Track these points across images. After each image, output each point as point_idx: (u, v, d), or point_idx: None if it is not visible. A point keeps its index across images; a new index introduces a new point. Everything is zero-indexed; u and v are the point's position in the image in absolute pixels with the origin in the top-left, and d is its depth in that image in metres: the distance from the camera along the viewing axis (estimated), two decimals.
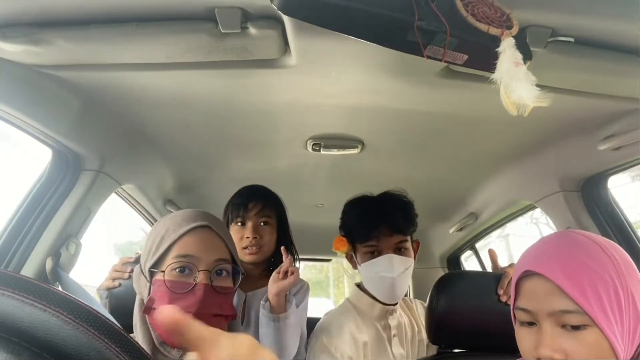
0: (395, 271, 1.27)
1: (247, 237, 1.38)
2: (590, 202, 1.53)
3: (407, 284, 1.34)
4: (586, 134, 1.33)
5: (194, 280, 0.86)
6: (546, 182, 1.60)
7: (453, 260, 2.71)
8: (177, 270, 0.87)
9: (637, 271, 0.67)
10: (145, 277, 0.89)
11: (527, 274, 0.72)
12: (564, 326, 0.65)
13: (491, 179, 1.81)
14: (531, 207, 1.88)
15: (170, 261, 0.87)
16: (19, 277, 0.40)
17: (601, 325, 0.63)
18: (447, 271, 2.68)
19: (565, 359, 0.64)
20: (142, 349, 0.41)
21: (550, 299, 0.66)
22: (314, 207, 2.34)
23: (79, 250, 1.44)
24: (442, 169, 1.77)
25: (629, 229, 1.51)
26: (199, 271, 0.87)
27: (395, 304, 1.37)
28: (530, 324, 0.70)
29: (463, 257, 2.71)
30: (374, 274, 1.29)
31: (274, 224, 1.44)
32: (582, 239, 0.71)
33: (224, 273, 0.91)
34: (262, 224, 1.41)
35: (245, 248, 1.38)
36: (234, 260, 0.95)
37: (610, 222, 1.52)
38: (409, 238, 1.33)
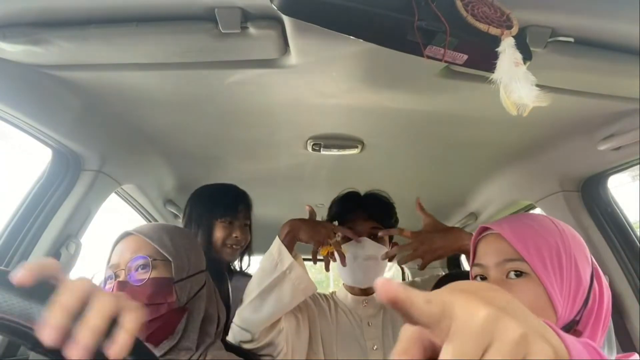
0: (366, 252, 1.31)
1: (236, 237, 1.51)
2: (590, 202, 1.53)
3: (378, 271, 1.37)
4: (586, 134, 1.33)
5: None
6: (546, 182, 1.60)
7: (453, 260, 2.71)
8: (109, 278, 0.97)
9: (586, 249, 0.75)
10: None
11: (482, 235, 0.81)
12: (508, 276, 0.73)
13: (491, 179, 1.81)
14: (531, 207, 1.88)
15: (106, 274, 0.99)
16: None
17: (538, 272, 0.70)
18: (447, 271, 2.67)
19: None
20: (150, 350, 0.41)
21: (498, 251, 0.75)
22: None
23: (79, 250, 1.44)
24: (442, 169, 1.77)
25: (629, 229, 1.51)
26: (118, 271, 0.97)
27: (367, 294, 1.39)
28: (483, 278, 0.78)
29: (463, 257, 2.70)
30: (349, 254, 1.33)
31: (249, 226, 1.59)
32: (539, 215, 0.81)
33: (146, 267, 0.97)
34: (244, 225, 1.55)
35: (231, 246, 1.51)
36: (160, 253, 0.99)
37: (610, 222, 1.52)
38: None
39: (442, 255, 1.21)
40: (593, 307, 0.71)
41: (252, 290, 1.16)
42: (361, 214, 1.36)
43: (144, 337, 0.89)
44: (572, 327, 0.70)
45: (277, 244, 1.18)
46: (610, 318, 0.74)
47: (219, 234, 1.50)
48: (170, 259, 0.99)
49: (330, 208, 1.46)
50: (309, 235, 1.20)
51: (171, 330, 0.95)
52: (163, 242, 1.00)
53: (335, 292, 1.48)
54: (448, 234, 1.22)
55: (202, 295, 1.03)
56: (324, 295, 1.46)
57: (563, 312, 0.70)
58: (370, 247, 1.33)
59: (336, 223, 1.41)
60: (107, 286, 0.96)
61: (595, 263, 0.76)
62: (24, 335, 0.37)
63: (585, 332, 0.70)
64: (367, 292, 1.40)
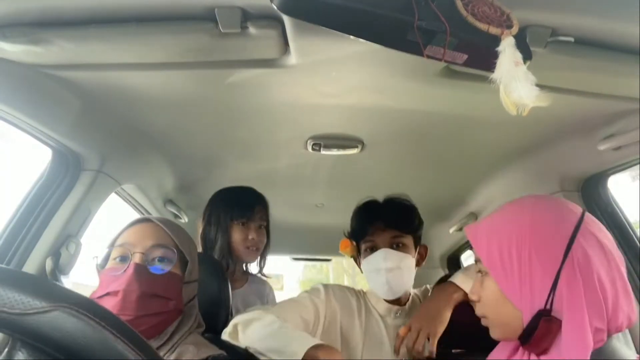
0: (387, 264, 1.26)
1: (252, 238, 1.51)
2: (590, 202, 1.53)
3: (404, 281, 1.30)
4: (586, 134, 1.33)
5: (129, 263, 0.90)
6: (546, 182, 1.60)
7: (453, 260, 2.71)
8: (118, 259, 0.92)
9: (556, 230, 0.75)
10: (98, 275, 0.94)
11: None
12: (479, 272, 0.81)
13: (491, 179, 1.81)
14: None
15: (112, 253, 0.93)
16: (31, 276, 0.40)
17: (491, 272, 0.76)
18: (447, 271, 2.68)
19: (478, 300, 0.81)
20: (155, 351, 0.41)
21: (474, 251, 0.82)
22: (314, 207, 2.34)
23: (79, 250, 1.44)
24: (442, 169, 1.77)
25: (629, 229, 1.51)
26: (133, 253, 0.91)
27: (401, 304, 1.34)
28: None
29: (463, 257, 2.71)
30: (372, 267, 1.29)
31: (265, 228, 1.59)
32: (512, 203, 0.84)
33: (165, 259, 0.93)
34: (260, 226, 1.56)
35: (248, 247, 1.51)
36: (180, 250, 0.96)
37: (610, 222, 1.52)
38: (407, 236, 1.32)
39: (444, 321, 1.14)
40: (567, 290, 0.70)
41: (254, 335, 1.09)
42: (379, 225, 1.30)
43: (138, 327, 0.84)
44: (541, 317, 0.71)
45: (300, 350, 1.01)
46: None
47: (235, 235, 1.51)
48: (188, 259, 0.97)
49: (352, 221, 1.41)
50: None
51: (162, 329, 0.92)
52: (182, 240, 0.97)
53: (365, 291, 1.40)
54: (434, 297, 1.21)
55: (195, 303, 1.00)
56: (355, 291, 1.38)
57: (524, 305, 0.72)
58: (391, 257, 1.27)
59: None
60: (114, 265, 0.91)
61: (584, 243, 0.72)
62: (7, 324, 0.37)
63: (566, 319, 0.69)
64: (399, 302, 1.34)
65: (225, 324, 1.20)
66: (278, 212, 2.29)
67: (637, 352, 1.31)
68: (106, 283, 0.89)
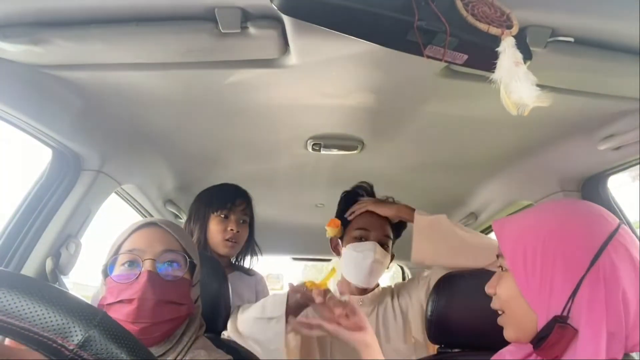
0: (376, 255, 1.38)
1: (231, 230, 1.51)
2: (590, 202, 1.53)
3: (379, 275, 1.45)
4: (586, 134, 1.33)
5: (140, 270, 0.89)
6: (546, 182, 1.60)
7: None
8: (126, 264, 0.90)
9: (587, 236, 0.71)
10: (103, 280, 0.92)
11: None
12: (499, 267, 0.81)
13: (491, 179, 1.81)
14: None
15: (119, 259, 0.91)
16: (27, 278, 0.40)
17: (512, 271, 0.75)
18: (446, 271, 2.67)
19: (494, 293, 0.80)
20: (150, 352, 0.41)
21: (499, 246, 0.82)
22: (314, 207, 2.34)
23: (79, 250, 1.44)
24: (442, 169, 1.77)
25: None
26: (144, 260, 0.89)
27: (364, 294, 1.44)
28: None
29: None
30: (357, 254, 1.39)
31: (248, 223, 1.59)
32: (542, 206, 0.84)
33: (176, 265, 0.92)
34: (242, 221, 1.56)
35: (227, 240, 1.51)
36: (188, 255, 0.95)
37: None
38: (391, 238, 1.45)
39: (382, 206, 1.41)
40: (588, 300, 0.67)
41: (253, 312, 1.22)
42: (377, 219, 1.42)
43: (152, 334, 0.86)
44: (556, 323, 0.68)
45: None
46: None
47: (214, 227, 1.52)
48: (195, 262, 0.96)
49: (346, 203, 1.50)
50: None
51: (172, 332, 0.91)
52: (188, 243, 0.96)
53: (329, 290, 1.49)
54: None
55: (199, 304, 1.01)
56: None
57: (541, 308, 0.70)
58: (380, 251, 1.40)
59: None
60: (124, 271, 0.89)
61: (614, 254, 0.69)
62: (55, 352, 0.36)
63: (583, 329, 0.67)
64: (363, 292, 1.45)
65: (225, 324, 1.20)
66: (278, 212, 2.30)
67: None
68: (117, 290, 0.87)
